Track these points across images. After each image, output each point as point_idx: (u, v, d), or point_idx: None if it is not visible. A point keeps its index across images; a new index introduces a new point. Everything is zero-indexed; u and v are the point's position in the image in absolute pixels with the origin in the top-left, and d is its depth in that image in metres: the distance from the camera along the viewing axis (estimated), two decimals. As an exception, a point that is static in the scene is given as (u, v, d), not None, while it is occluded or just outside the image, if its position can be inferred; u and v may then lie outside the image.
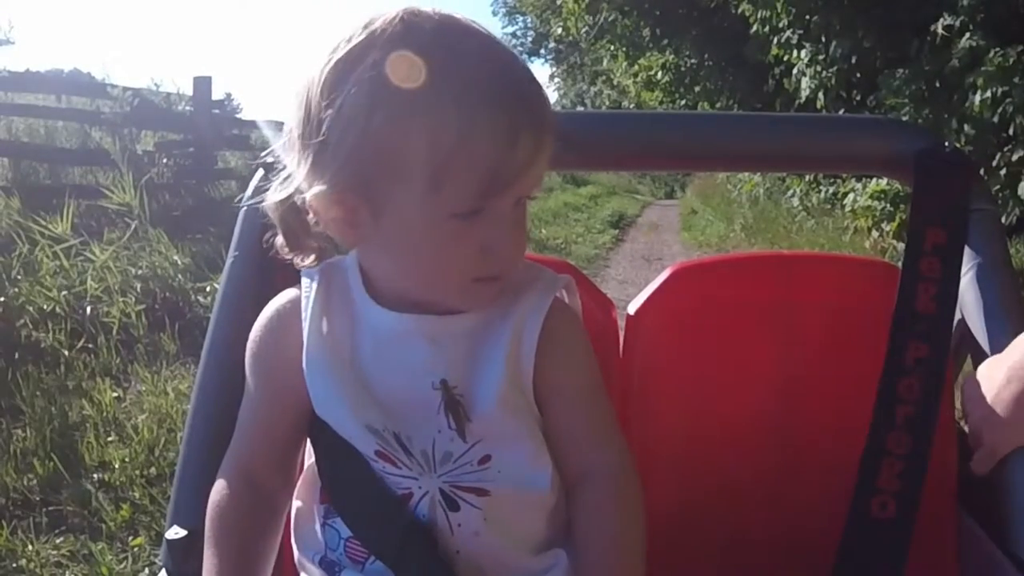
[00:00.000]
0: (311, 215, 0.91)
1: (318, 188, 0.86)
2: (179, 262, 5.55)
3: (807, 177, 11.45)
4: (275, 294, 1.01)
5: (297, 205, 0.91)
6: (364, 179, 0.84)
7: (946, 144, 1.30)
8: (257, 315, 1.00)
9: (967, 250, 1.23)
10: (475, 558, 0.91)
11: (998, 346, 1.15)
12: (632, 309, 1.29)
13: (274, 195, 0.93)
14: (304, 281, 0.98)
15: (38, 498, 2.99)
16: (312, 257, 0.97)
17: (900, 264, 1.25)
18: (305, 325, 0.95)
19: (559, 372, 0.95)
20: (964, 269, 1.23)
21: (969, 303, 1.23)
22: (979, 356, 1.20)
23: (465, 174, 0.82)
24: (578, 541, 0.94)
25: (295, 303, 0.97)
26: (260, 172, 1.19)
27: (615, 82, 28.42)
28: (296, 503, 1.00)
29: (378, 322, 0.94)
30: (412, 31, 0.83)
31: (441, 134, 0.80)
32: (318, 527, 0.97)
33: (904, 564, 1.11)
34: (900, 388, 1.16)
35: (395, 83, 0.81)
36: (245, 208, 1.23)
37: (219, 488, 0.97)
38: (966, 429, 1.18)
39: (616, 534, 0.93)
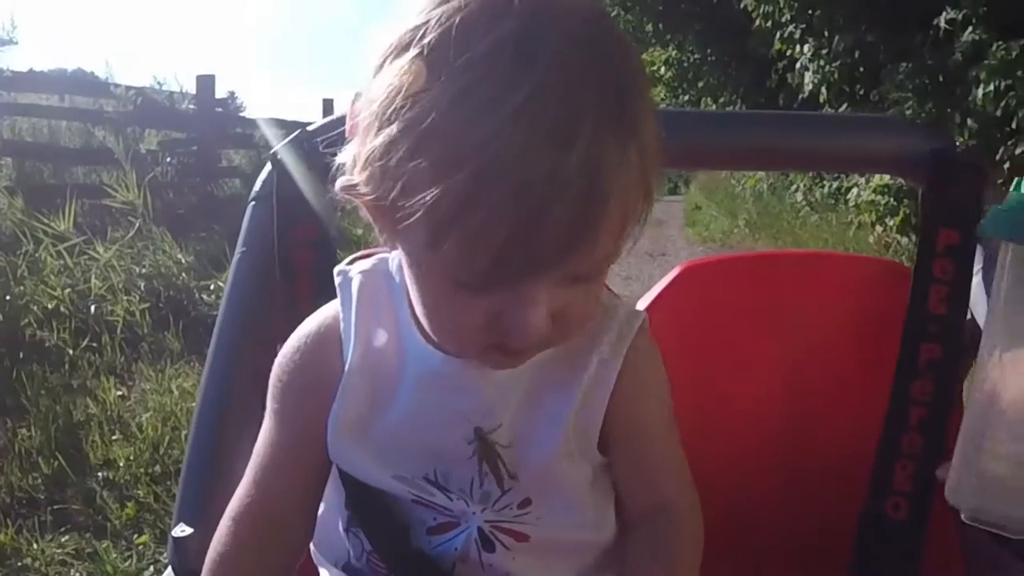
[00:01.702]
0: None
1: (357, 190, 0.74)
2: (183, 260, 5.55)
3: (811, 172, 11.42)
4: (280, 289, 0.98)
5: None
6: (391, 207, 0.71)
7: (958, 145, 1.29)
8: (264, 311, 0.99)
9: (978, 250, 1.23)
10: None
11: None
12: (640, 307, 1.28)
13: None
14: (342, 293, 0.89)
15: (43, 497, 3.00)
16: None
17: (909, 263, 1.24)
18: (347, 351, 0.86)
19: (634, 413, 0.88)
20: (975, 269, 1.22)
21: (979, 303, 1.22)
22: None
23: (465, 247, 0.66)
24: (633, 573, 0.89)
25: (334, 326, 0.88)
26: (268, 167, 1.19)
27: (618, 78, 28.34)
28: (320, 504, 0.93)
29: (423, 361, 0.84)
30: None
31: (447, 190, 0.65)
32: (342, 531, 0.92)
33: (918, 565, 1.11)
34: (914, 390, 1.16)
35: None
36: (253, 203, 1.23)
37: (232, 538, 0.87)
38: None
39: (675, 571, 0.89)
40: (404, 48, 0.68)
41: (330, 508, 0.93)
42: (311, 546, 0.95)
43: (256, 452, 0.90)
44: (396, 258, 0.87)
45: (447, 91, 0.65)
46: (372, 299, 0.87)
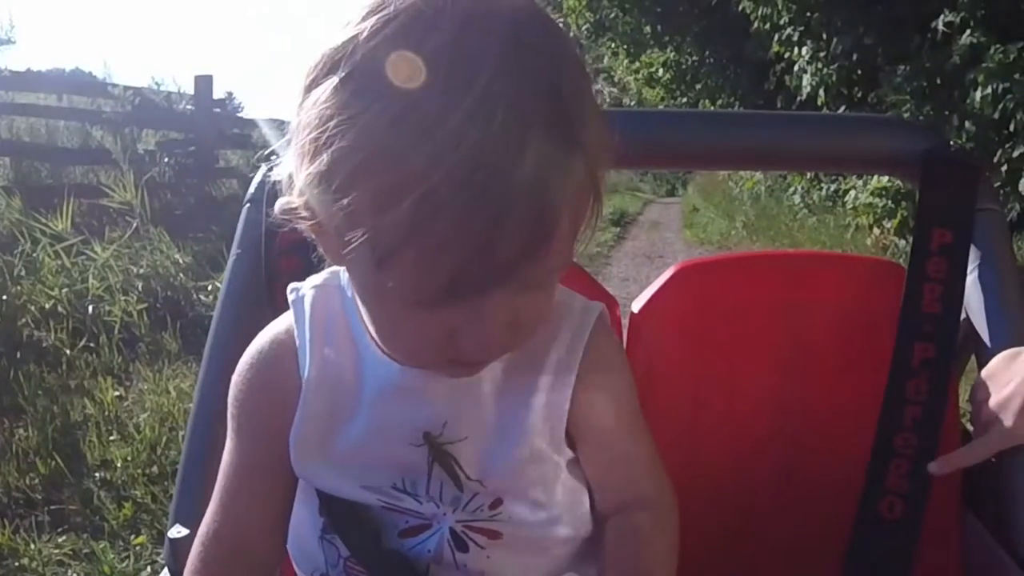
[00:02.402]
0: None
1: (298, 211, 0.72)
2: (180, 261, 5.55)
3: (808, 174, 11.43)
4: (276, 291, 0.98)
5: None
6: (324, 225, 0.70)
7: (952, 144, 1.29)
8: (259, 313, 0.98)
9: (972, 249, 1.23)
10: None
11: (1001, 345, 1.15)
12: (636, 307, 1.29)
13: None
14: (295, 309, 0.87)
15: (40, 497, 2.99)
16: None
17: (905, 263, 1.24)
18: (304, 368, 0.84)
19: (597, 410, 0.86)
20: (969, 268, 1.22)
21: (974, 303, 1.22)
22: (983, 355, 1.20)
23: (415, 271, 0.64)
24: (606, 568, 0.87)
25: (287, 342, 0.86)
26: (263, 168, 1.19)
27: (616, 79, 28.40)
28: (296, 508, 0.92)
29: (380, 373, 0.82)
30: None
31: (393, 217, 0.62)
32: (316, 539, 0.90)
33: (912, 565, 1.11)
34: (908, 389, 1.16)
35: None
36: (248, 205, 1.23)
37: (201, 564, 0.86)
38: (970, 428, 1.18)
39: (647, 566, 0.87)
40: (334, 67, 0.65)
41: (304, 518, 0.91)
42: (292, 559, 0.93)
43: (221, 474, 0.88)
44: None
45: (384, 113, 0.62)
46: (325, 314, 0.85)
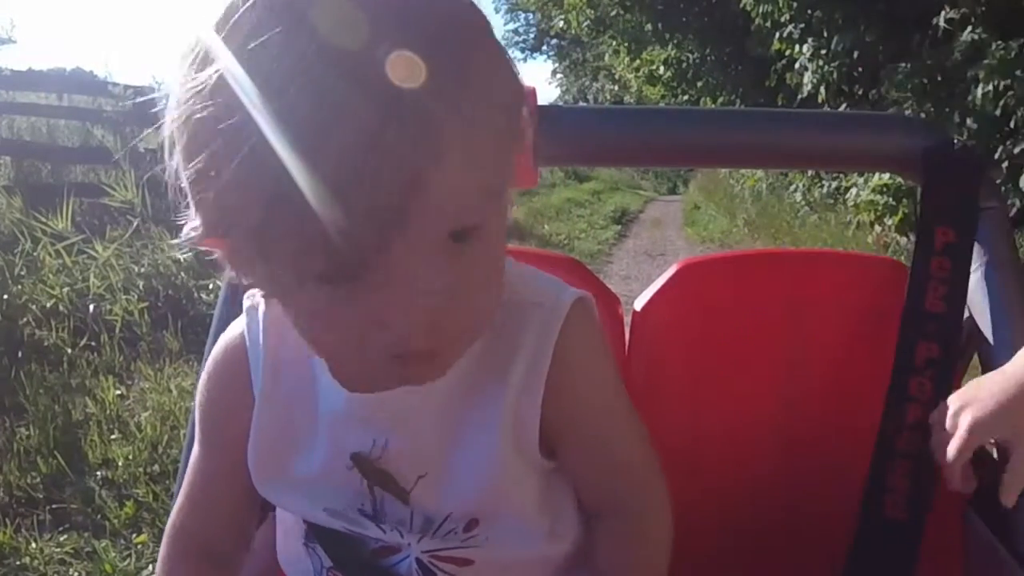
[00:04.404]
0: None
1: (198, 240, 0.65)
2: (182, 260, 5.54)
3: (810, 172, 11.42)
4: None
5: None
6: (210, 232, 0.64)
7: (955, 141, 1.29)
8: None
9: (976, 247, 1.23)
10: None
11: (1005, 344, 1.15)
12: (638, 305, 1.28)
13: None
14: (248, 318, 0.83)
15: (42, 496, 2.99)
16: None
17: (908, 262, 1.24)
18: (256, 380, 0.82)
19: (575, 412, 0.81)
20: (972, 267, 1.22)
21: (977, 301, 1.22)
22: (986, 353, 1.20)
23: (281, 244, 0.58)
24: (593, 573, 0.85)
25: (239, 350, 0.83)
26: None
27: (617, 76, 28.40)
28: (280, 515, 0.92)
29: (331, 398, 0.79)
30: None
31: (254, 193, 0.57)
32: (302, 547, 0.89)
33: (915, 564, 1.10)
34: (911, 388, 1.15)
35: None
36: None
37: (166, 562, 0.88)
38: None
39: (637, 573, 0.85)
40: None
41: (291, 522, 0.91)
42: (281, 562, 0.93)
43: (188, 471, 0.89)
44: None
45: (229, 83, 0.56)
46: (280, 328, 0.79)
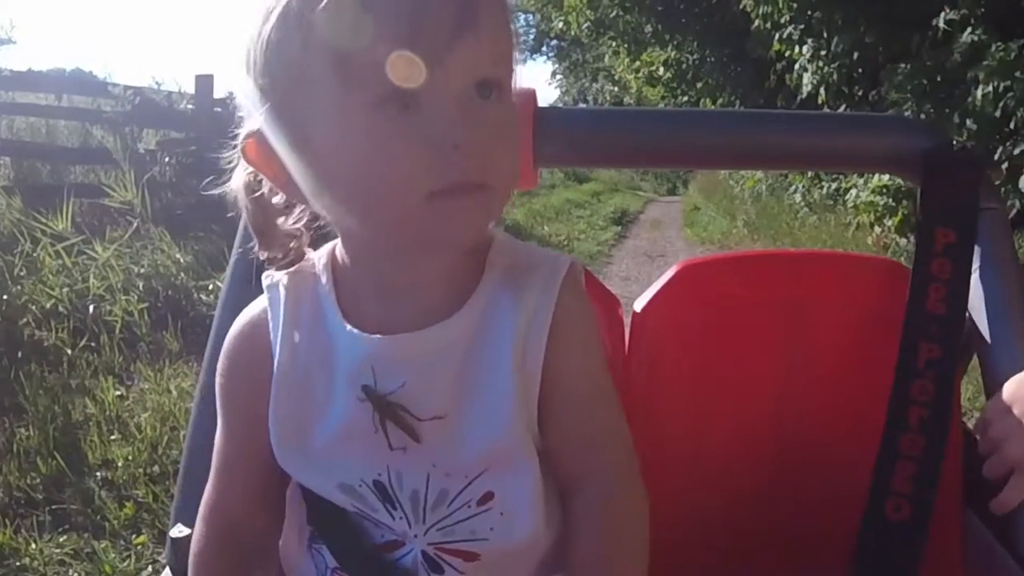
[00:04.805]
0: (275, 196, 0.84)
1: (255, 135, 0.79)
2: (181, 260, 5.55)
3: (809, 173, 11.42)
4: None
5: (263, 193, 0.84)
6: (289, 104, 0.74)
7: (954, 142, 1.29)
8: None
9: (975, 248, 1.23)
10: None
11: (1004, 344, 1.15)
12: (638, 306, 1.28)
13: (237, 177, 0.85)
14: (270, 294, 0.87)
15: (41, 497, 2.99)
16: (286, 259, 0.86)
17: (908, 263, 1.24)
18: (275, 355, 0.85)
19: (569, 370, 0.83)
20: (972, 267, 1.22)
21: (976, 302, 1.22)
22: (985, 355, 1.20)
23: (365, 52, 0.69)
24: (568, 557, 0.85)
25: (263, 323, 0.87)
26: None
27: (617, 78, 28.41)
28: (286, 519, 0.93)
29: (351, 349, 0.81)
30: None
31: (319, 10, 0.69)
32: (304, 549, 0.90)
33: (919, 566, 1.10)
34: (913, 390, 1.15)
35: None
36: None
37: (203, 542, 0.90)
38: (970, 427, 1.18)
39: (606, 553, 0.84)
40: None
41: (292, 526, 0.92)
42: (283, 567, 0.94)
43: (214, 455, 0.91)
44: (323, 256, 0.86)
45: None
46: (297, 298, 0.85)
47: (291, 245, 0.86)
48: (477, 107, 0.72)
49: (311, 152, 0.75)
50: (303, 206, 0.84)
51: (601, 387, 0.87)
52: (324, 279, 0.85)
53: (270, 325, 0.86)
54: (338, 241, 0.86)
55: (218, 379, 0.89)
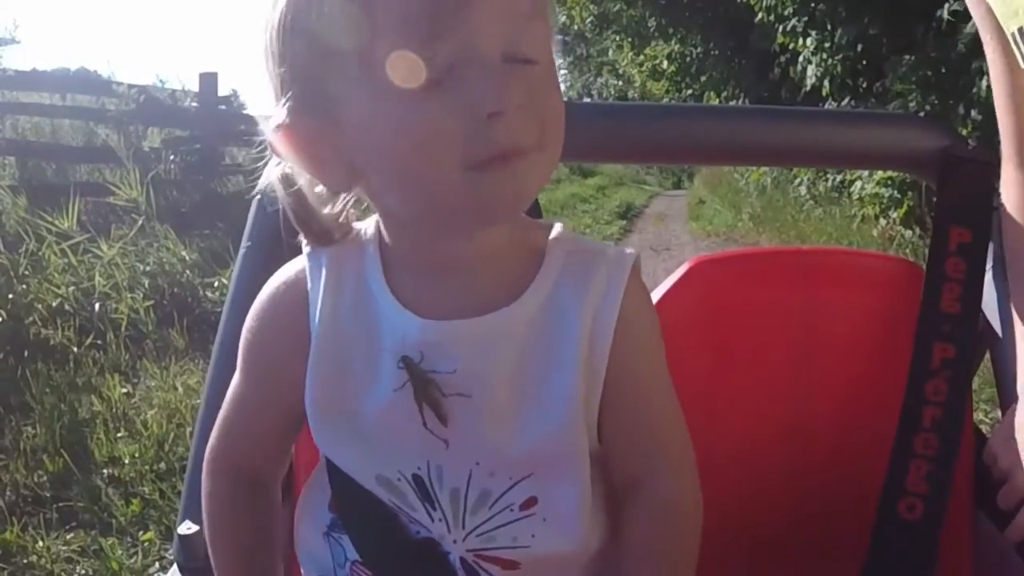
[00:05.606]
0: (316, 187, 0.80)
1: (283, 126, 0.75)
2: (187, 258, 5.55)
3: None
4: None
5: (301, 186, 0.80)
6: (314, 89, 0.73)
7: (969, 141, 1.28)
8: None
9: (990, 246, 1.22)
10: None
11: (1017, 343, 1.14)
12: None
13: (270, 174, 0.81)
14: (310, 262, 0.83)
15: (48, 494, 3.00)
16: (333, 238, 0.83)
17: (914, 256, 1.23)
18: (314, 317, 0.81)
19: (636, 370, 0.80)
20: (986, 266, 1.21)
21: (989, 301, 1.21)
22: (998, 352, 1.19)
23: (392, 34, 0.67)
24: (623, 556, 0.83)
25: (300, 285, 0.83)
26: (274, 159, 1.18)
27: (620, 72, 28.37)
28: (303, 503, 0.91)
29: (399, 329, 0.78)
30: None
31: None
32: (322, 537, 0.88)
33: (933, 566, 1.10)
34: (927, 390, 1.15)
35: None
36: (259, 197, 1.22)
37: (213, 488, 0.89)
38: (982, 428, 1.17)
39: (664, 550, 0.83)
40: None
41: (312, 510, 0.89)
42: (298, 556, 0.92)
43: (226, 403, 0.89)
44: (370, 227, 0.84)
45: None
46: (341, 268, 0.82)
47: (339, 221, 0.83)
48: (509, 72, 0.69)
49: (342, 135, 0.73)
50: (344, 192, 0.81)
51: (666, 386, 0.85)
52: (371, 249, 0.82)
53: (308, 285, 0.82)
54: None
55: (246, 336, 0.86)
